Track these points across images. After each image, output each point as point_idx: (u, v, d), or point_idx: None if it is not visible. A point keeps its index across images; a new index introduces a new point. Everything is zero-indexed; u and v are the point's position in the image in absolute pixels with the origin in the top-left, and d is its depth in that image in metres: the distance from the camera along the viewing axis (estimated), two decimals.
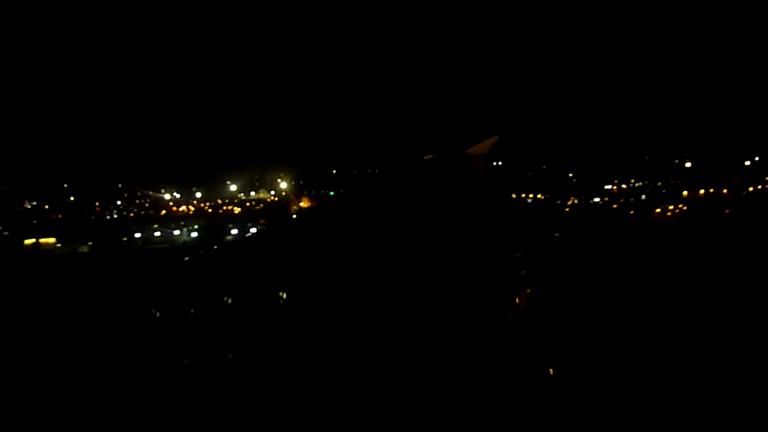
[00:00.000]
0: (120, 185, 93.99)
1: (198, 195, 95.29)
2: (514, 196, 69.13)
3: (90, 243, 46.76)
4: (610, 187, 67.09)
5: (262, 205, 71.44)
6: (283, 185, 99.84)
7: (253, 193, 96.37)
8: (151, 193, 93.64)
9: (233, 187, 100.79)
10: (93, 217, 68.05)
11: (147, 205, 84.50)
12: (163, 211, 72.00)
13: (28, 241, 47.77)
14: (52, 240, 47.52)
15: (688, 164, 73.23)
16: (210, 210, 70.71)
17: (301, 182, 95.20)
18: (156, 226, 56.12)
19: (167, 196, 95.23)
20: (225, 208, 72.14)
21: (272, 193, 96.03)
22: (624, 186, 66.70)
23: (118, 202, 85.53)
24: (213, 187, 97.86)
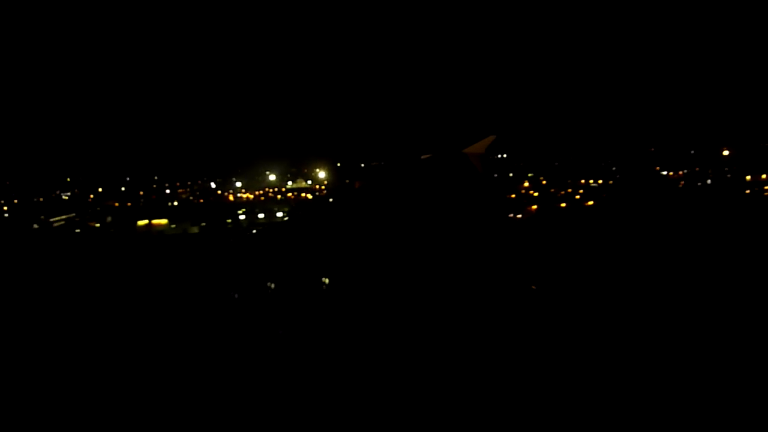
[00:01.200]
0: (156, 177, 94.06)
1: (238, 184, 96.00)
2: (570, 181, 71.47)
3: (203, 224, 47.48)
4: (666, 173, 70.49)
5: (325, 191, 72.62)
6: (322, 174, 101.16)
7: (290, 183, 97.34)
8: (188, 182, 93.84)
9: (272, 177, 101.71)
10: (202, 200, 68.19)
11: (198, 193, 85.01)
12: (231, 197, 72.57)
13: (140, 222, 48.21)
14: (164, 221, 48.01)
15: (726, 152, 77.50)
16: (279, 196, 71.60)
17: (340, 171, 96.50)
18: (243, 209, 56.94)
19: (213, 185, 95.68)
20: (291, 194, 73.13)
21: (309, 182, 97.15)
22: (680, 172, 70.17)
23: (167, 191, 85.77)
24: (253, 177, 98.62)
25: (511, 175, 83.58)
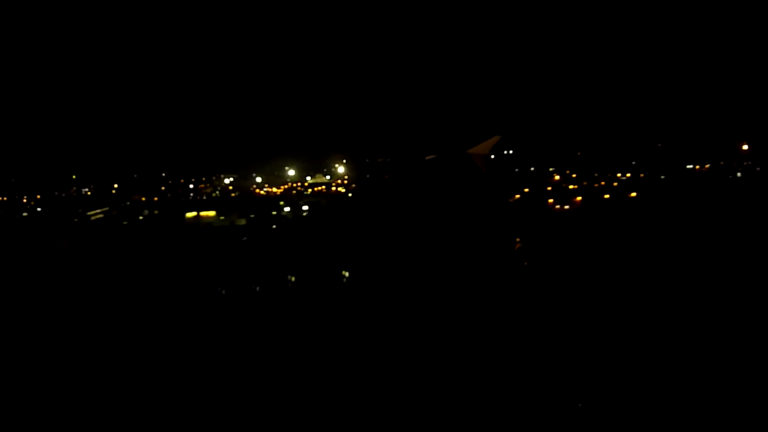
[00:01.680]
0: (163, 173, 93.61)
1: (258, 180, 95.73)
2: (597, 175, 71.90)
3: (252, 215, 47.46)
4: (691, 166, 71.29)
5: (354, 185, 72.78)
6: (341, 170, 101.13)
7: (309, 178, 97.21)
8: (203, 178, 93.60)
9: (291, 172, 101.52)
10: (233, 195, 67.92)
11: (228, 187, 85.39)
12: (261, 191, 72.54)
13: (189, 214, 48.14)
14: (212, 213, 47.98)
15: (745, 146, 78.62)
16: (310, 190, 71.68)
17: (359, 166, 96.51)
18: (282, 202, 56.95)
19: (227, 181, 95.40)
20: (320, 188, 73.28)
21: (328, 177, 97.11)
22: (706, 166, 71.01)
23: (191, 186, 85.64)
24: (271, 171, 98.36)
25: (532, 169, 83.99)
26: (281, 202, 56.59)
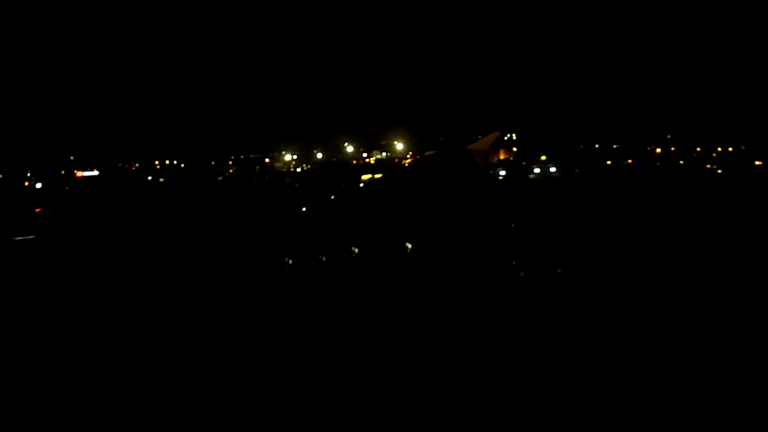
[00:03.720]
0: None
1: (319, 156, 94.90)
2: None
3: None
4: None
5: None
6: (400, 146, 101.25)
7: (365, 154, 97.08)
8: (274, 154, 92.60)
9: (350, 148, 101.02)
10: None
11: (294, 162, 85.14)
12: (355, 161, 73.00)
13: (365, 177, 48.69)
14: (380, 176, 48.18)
15: None
16: (398, 159, 72.55)
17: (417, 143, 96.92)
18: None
19: (287, 157, 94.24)
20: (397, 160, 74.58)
21: (384, 154, 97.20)
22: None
23: (266, 160, 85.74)
24: (331, 147, 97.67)
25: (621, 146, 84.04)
26: None
